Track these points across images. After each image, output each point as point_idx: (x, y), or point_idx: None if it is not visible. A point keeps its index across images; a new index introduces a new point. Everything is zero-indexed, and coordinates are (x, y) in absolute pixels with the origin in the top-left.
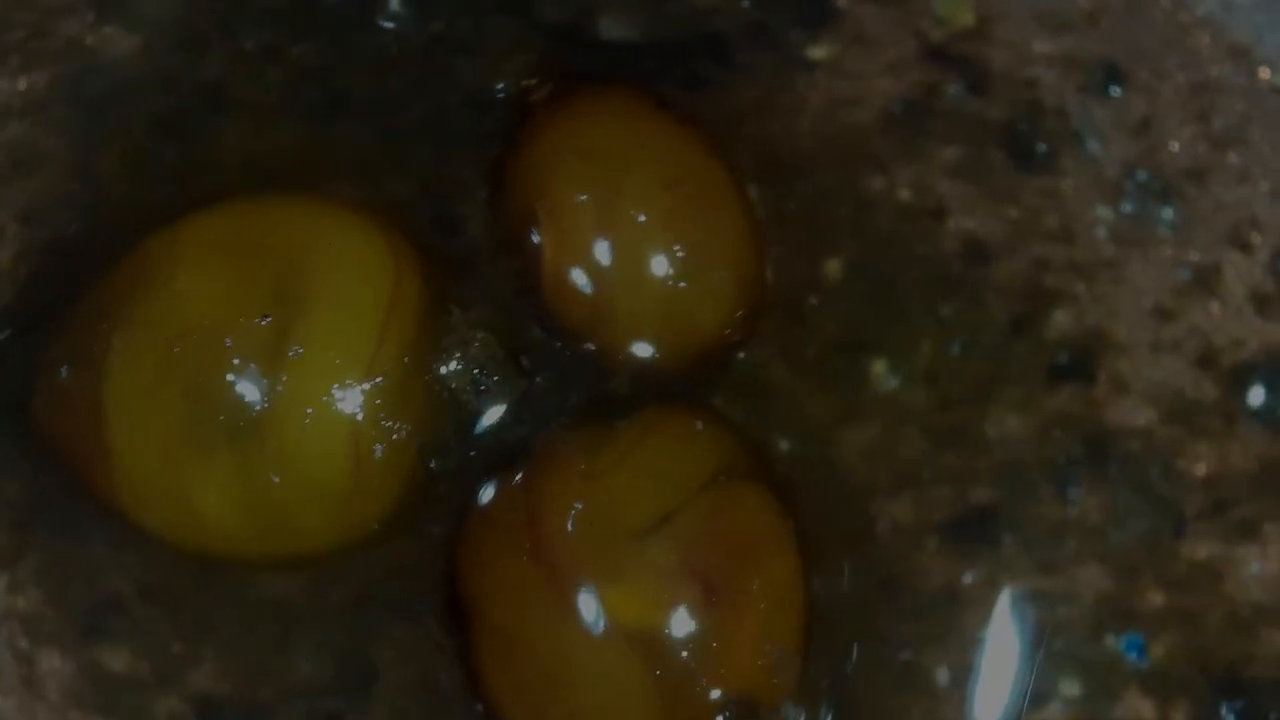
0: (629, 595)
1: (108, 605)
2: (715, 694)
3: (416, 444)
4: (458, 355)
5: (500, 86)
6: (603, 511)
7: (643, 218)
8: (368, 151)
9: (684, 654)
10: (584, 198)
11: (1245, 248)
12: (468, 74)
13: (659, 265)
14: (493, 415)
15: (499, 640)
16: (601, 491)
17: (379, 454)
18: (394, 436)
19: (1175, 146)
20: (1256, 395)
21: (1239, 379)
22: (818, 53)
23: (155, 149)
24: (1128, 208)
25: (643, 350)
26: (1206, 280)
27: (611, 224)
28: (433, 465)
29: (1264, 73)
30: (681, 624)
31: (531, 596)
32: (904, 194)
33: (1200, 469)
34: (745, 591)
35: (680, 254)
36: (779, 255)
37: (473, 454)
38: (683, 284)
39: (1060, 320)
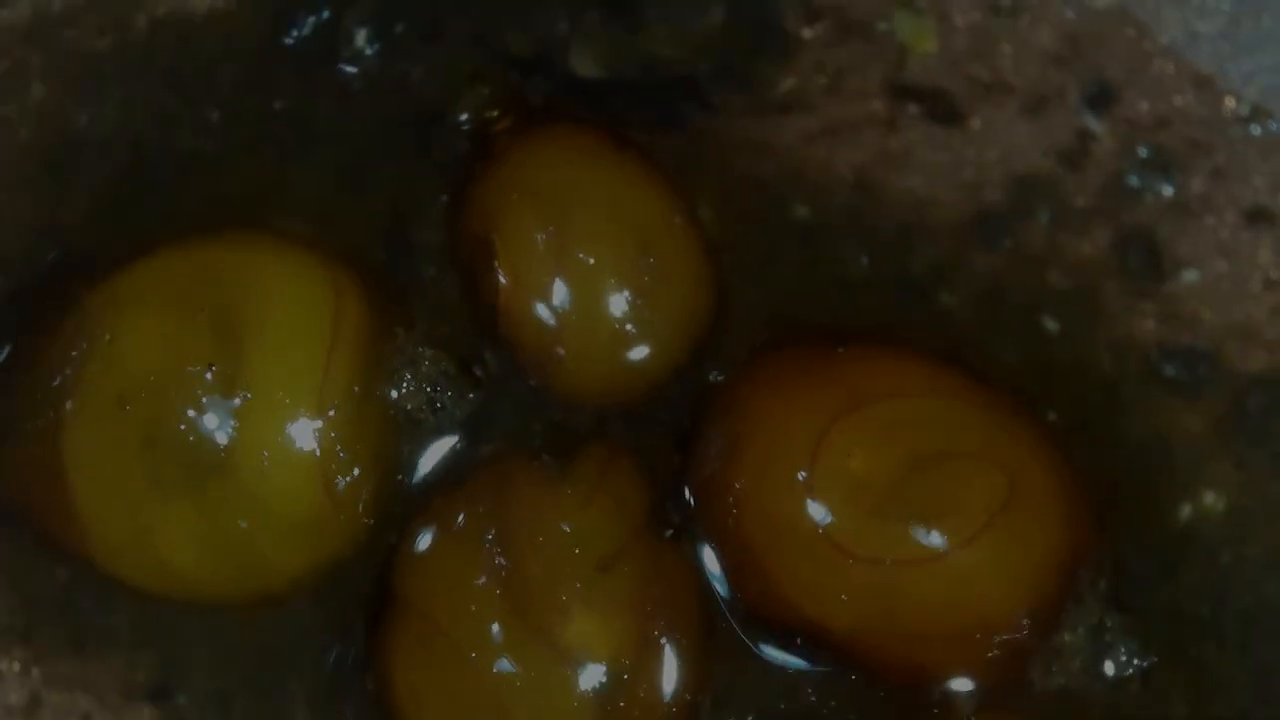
0: (599, 626)
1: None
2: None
3: (379, 469)
4: (409, 376)
5: (463, 118)
6: (572, 542)
7: (592, 260)
8: (326, 183)
9: (637, 692)
10: (537, 236)
11: None
12: (430, 103)
13: (605, 307)
14: (451, 431)
15: (432, 647)
16: (571, 522)
17: (342, 486)
18: (355, 466)
19: None
20: None
21: None
22: (786, 84)
23: (121, 201)
24: None
25: (593, 387)
26: None
27: (561, 264)
28: (399, 485)
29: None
30: (638, 660)
31: (488, 613)
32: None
33: None
34: (682, 631)
35: (627, 298)
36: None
37: (432, 471)
38: (629, 328)
39: None
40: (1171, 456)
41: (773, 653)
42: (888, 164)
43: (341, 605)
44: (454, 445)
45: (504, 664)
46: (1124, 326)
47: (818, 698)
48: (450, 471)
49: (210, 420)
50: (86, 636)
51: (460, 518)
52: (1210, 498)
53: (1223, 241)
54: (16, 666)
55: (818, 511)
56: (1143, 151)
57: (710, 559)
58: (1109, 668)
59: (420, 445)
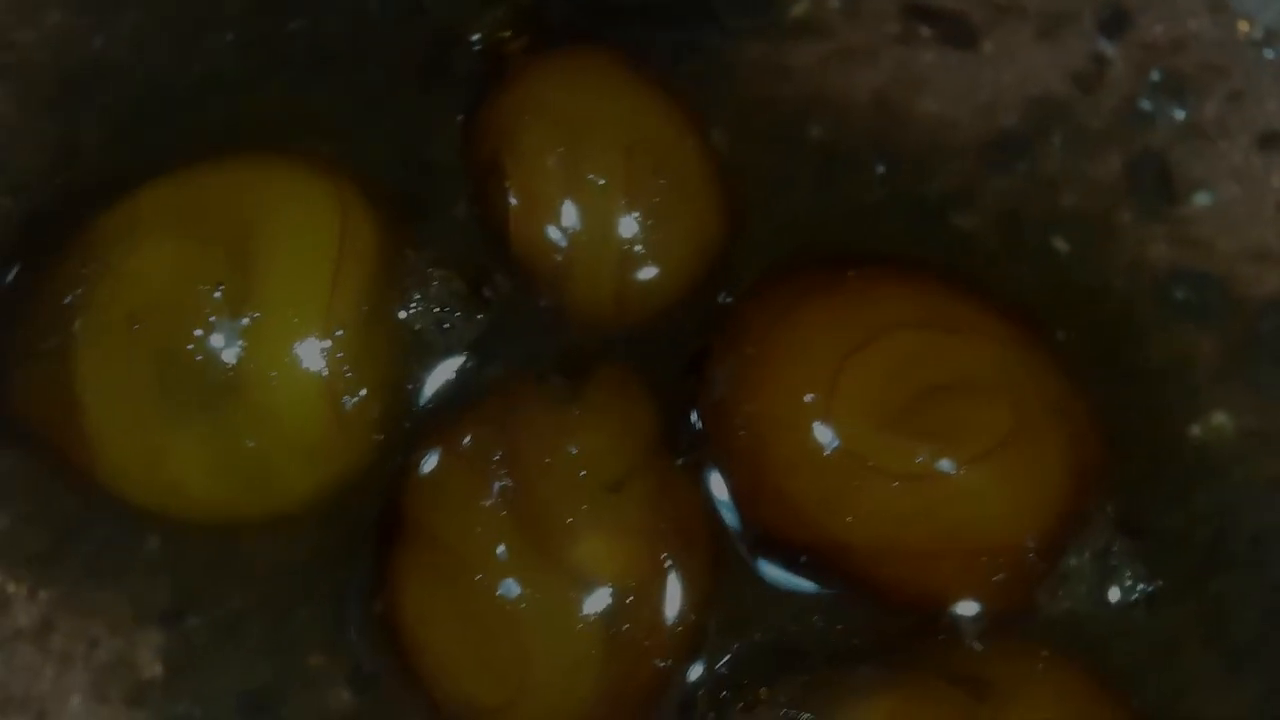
0: (607, 548)
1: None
2: (660, 664)
3: (387, 389)
4: (418, 296)
5: (477, 38)
6: (580, 464)
7: (602, 181)
8: (343, 105)
9: (644, 614)
10: (547, 156)
11: None
12: (446, 24)
13: (616, 229)
14: (459, 352)
15: (440, 569)
16: (579, 444)
17: (350, 405)
18: (363, 386)
19: None
20: None
21: None
22: (801, 7)
23: (137, 125)
24: None
25: (602, 309)
26: None
27: (572, 185)
28: (407, 405)
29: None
30: (645, 582)
31: (496, 535)
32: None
33: None
34: (689, 554)
35: (637, 219)
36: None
37: (440, 392)
38: (638, 249)
39: None
40: (1184, 379)
41: (780, 576)
42: (903, 87)
43: (350, 527)
44: (462, 366)
45: (511, 584)
46: (1137, 250)
47: (825, 621)
48: (459, 393)
49: (219, 339)
50: (99, 561)
51: (468, 439)
52: (1221, 419)
53: (1235, 166)
54: (25, 590)
55: (833, 431)
56: (1156, 75)
57: (718, 484)
58: (1114, 593)
59: (428, 366)
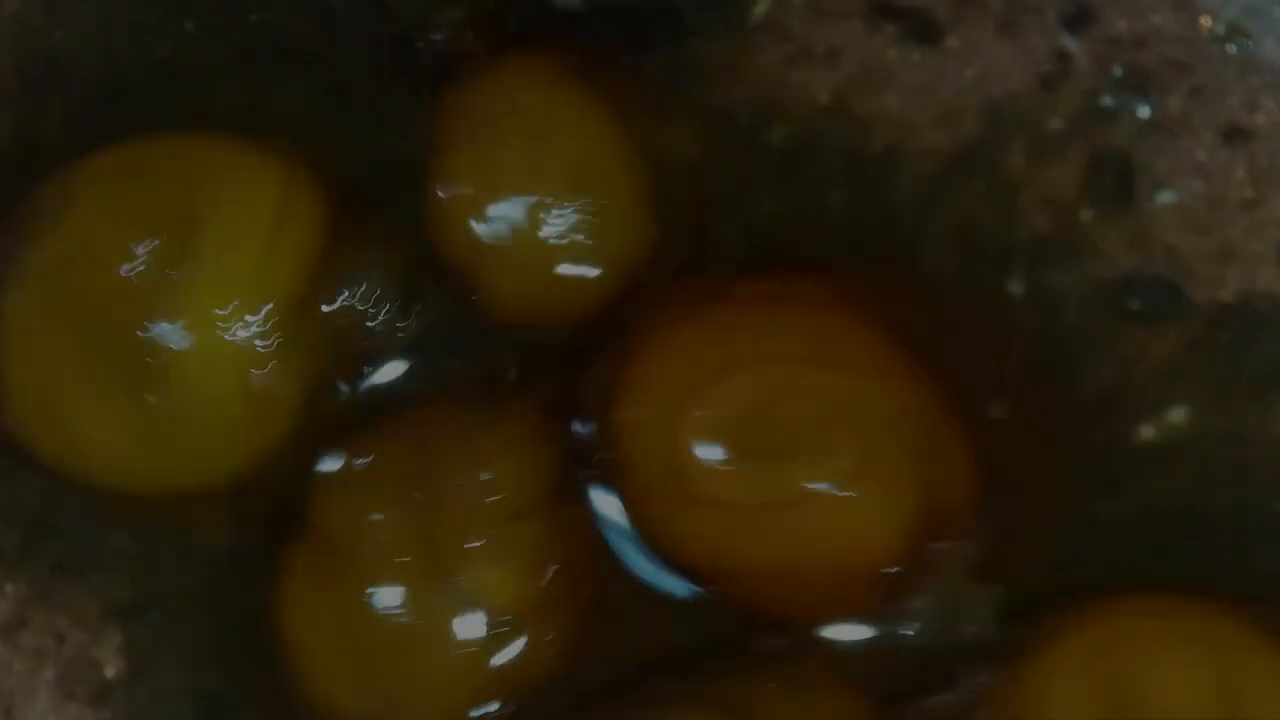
0: (502, 577)
1: None
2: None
3: (306, 374)
4: (348, 292)
5: (438, 39)
6: (489, 491)
7: (527, 185)
8: (306, 100)
9: (524, 645)
10: (474, 158)
11: None
12: (408, 23)
13: (537, 232)
14: (383, 356)
15: (329, 572)
16: (492, 471)
17: (263, 382)
18: (280, 367)
19: None
20: None
21: None
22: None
23: (98, 117)
24: None
25: (519, 311)
26: None
27: (499, 185)
28: (324, 399)
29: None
30: (533, 615)
31: (395, 547)
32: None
33: None
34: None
35: (560, 225)
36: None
37: (357, 394)
38: (562, 253)
39: None
40: (1138, 380)
41: (664, 582)
42: (866, 86)
43: (254, 513)
44: (384, 370)
45: (400, 599)
46: (1095, 249)
47: (705, 628)
48: (379, 397)
49: (143, 295)
50: (67, 557)
51: (382, 449)
52: (1175, 420)
53: (1199, 162)
54: None
55: (681, 461)
56: (1118, 71)
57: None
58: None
59: (350, 363)
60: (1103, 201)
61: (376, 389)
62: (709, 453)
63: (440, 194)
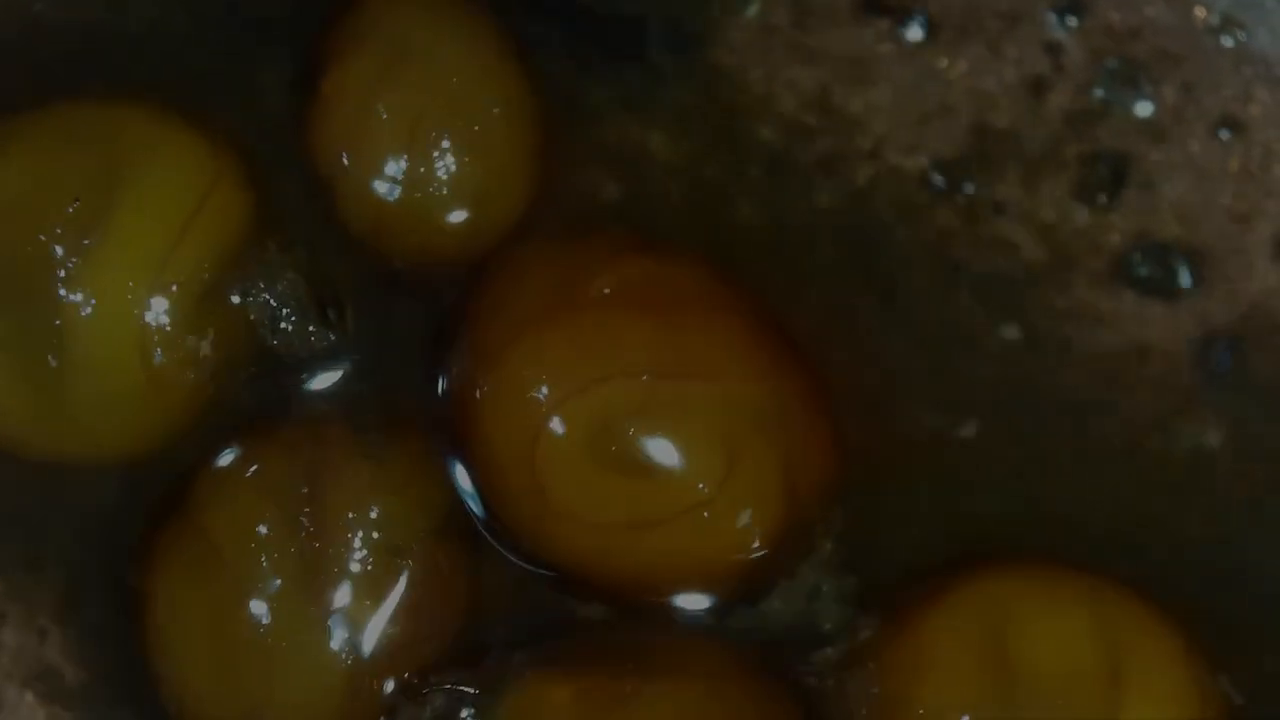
0: (375, 611)
1: None
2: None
3: (208, 363)
4: (263, 288)
5: None
6: (375, 525)
7: (407, 109)
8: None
9: (389, 671)
10: (360, 79)
11: None
12: None
13: (426, 163)
14: (289, 359)
15: (205, 568)
16: (380, 506)
17: (162, 359)
18: (181, 349)
19: None
20: None
21: None
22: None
23: (72, 88)
24: None
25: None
26: None
27: (376, 106)
28: (223, 394)
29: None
30: (399, 649)
31: (276, 563)
32: None
33: None
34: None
35: (447, 158)
36: None
37: (261, 396)
38: (442, 186)
39: None
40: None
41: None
42: (852, 83)
43: (140, 495)
44: (287, 374)
45: (274, 616)
46: (1091, 240)
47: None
48: (277, 401)
49: (56, 252)
50: None
51: (278, 461)
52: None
53: (1192, 155)
54: None
55: (537, 474)
56: (1112, 63)
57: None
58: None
59: (254, 361)
60: (1095, 195)
61: (279, 395)
62: (571, 471)
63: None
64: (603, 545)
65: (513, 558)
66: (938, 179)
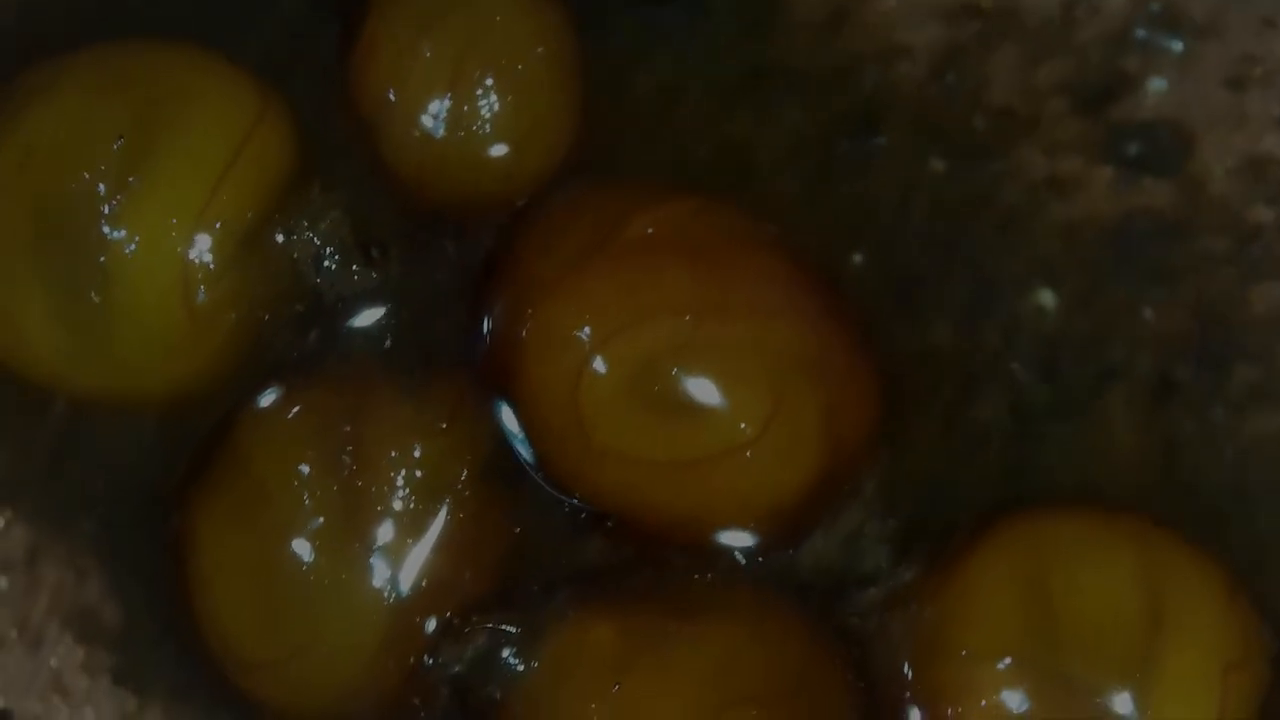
0: (416, 552)
1: None
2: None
3: (250, 302)
4: (307, 227)
5: None
6: (417, 466)
7: (449, 50)
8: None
9: (429, 616)
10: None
11: None
12: None
13: (468, 104)
14: (330, 300)
15: (248, 508)
16: (423, 448)
17: (204, 298)
18: (222, 288)
19: None
20: None
21: None
22: None
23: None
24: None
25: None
26: None
27: (422, 47)
28: (266, 334)
29: None
30: (439, 592)
31: (318, 502)
32: None
33: None
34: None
35: (487, 101)
36: None
37: (305, 337)
38: (484, 126)
39: None
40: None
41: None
42: None
43: (181, 435)
44: (329, 315)
45: (316, 554)
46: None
47: (604, 552)
48: (320, 343)
49: (100, 190)
50: None
51: (321, 401)
52: None
53: (1228, 100)
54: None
55: (583, 412)
56: (1155, 7)
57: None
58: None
59: (297, 301)
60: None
61: (322, 336)
62: (613, 409)
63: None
64: (645, 484)
65: (555, 492)
66: None
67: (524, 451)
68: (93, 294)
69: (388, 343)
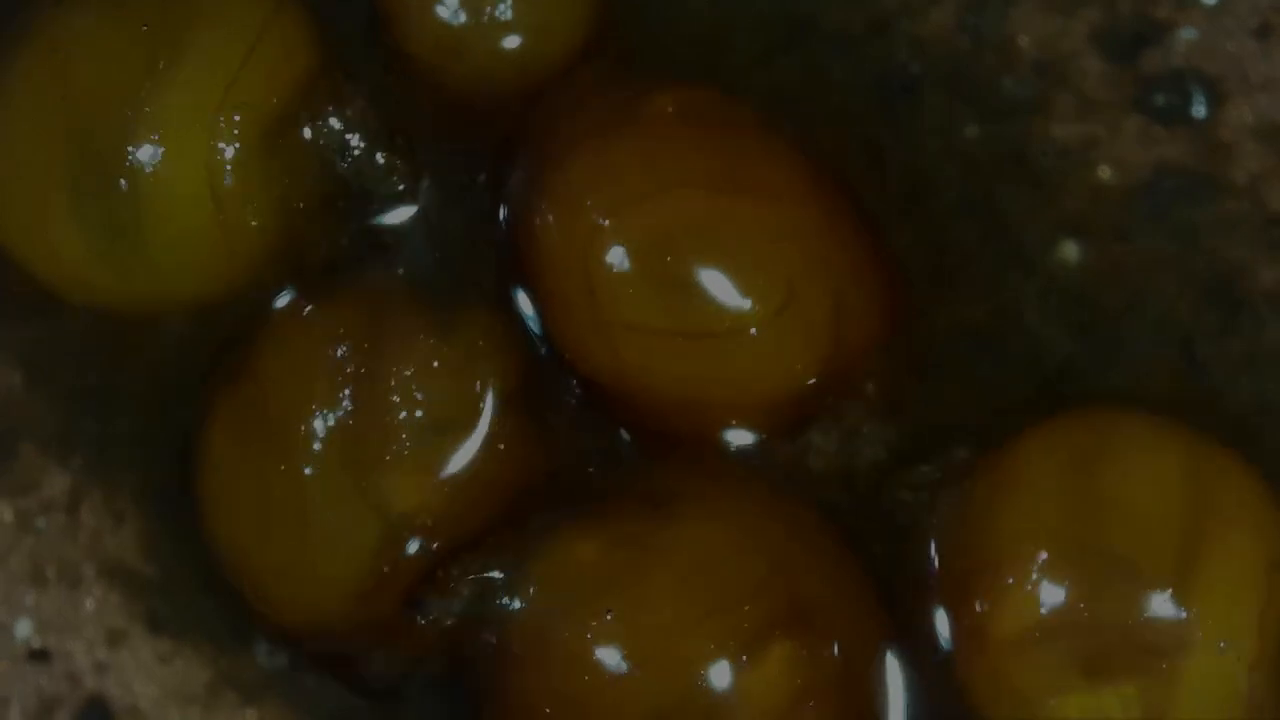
0: (410, 488)
1: None
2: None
3: (278, 195)
4: (331, 112)
5: None
6: (426, 398)
7: None
8: None
9: (419, 553)
10: None
11: None
12: None
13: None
14: (357, 192)
15: (258, 420)
16: (435, 381)
17: (231, 184)
18: (249, 178)
19: None
20: None
21: None
22: None
23: None
24: None
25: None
26: None
27: None
28: (292, 232)
29: None
30: (434, 528)
31: (324, 429)
32: None
33: None
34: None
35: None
36: None
37: (333, 245)
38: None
39: None
40: None
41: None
42: None
43: (207, 340)
44: (354, 217)
45: (315, 478)
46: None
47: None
48: (344, 255)
49: (123, 80)
50: None
51: (341, 316)
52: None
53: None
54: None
55: (596, 283)
56: None
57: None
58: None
59: (325, 193)
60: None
61: (352, 240)
62: (623, 278)
63: None
64: (652, 353)
65: (561, 370)
66: None
67: (537, 337)
68: (121, 183)
69: (412, 265)
